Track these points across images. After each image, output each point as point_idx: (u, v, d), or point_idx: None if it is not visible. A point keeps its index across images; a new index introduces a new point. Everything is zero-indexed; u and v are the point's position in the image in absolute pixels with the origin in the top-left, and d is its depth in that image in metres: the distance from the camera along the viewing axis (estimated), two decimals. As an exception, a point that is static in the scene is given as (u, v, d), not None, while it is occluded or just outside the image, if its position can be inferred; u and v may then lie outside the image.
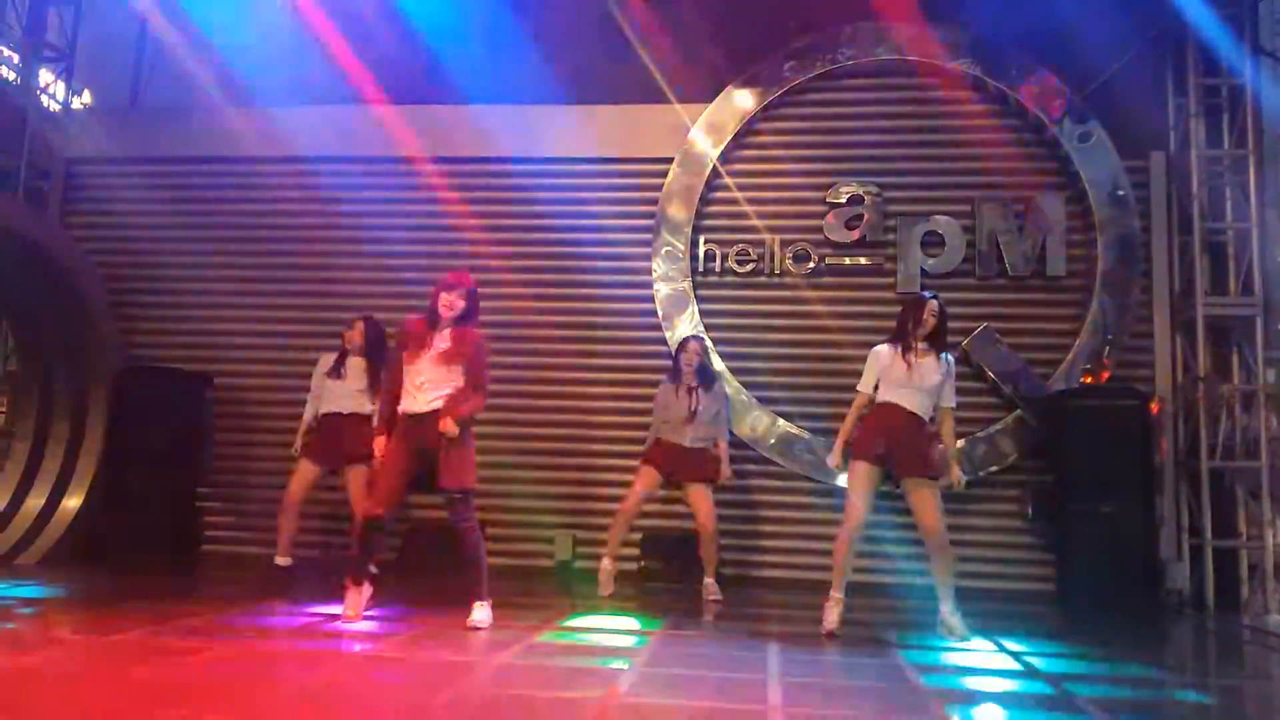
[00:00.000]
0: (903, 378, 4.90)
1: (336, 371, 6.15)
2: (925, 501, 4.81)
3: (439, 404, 4.66)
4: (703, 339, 6.60)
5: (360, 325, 6.21)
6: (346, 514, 6.22)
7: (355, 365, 6.15)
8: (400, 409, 4.75)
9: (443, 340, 4.73)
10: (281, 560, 6.10)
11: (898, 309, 5.33)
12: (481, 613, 4.63)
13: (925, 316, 4.94)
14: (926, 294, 5.13)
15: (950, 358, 5.04)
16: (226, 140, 7.75)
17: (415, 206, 7.63)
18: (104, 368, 7.16)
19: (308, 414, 6.25)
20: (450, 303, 4.73)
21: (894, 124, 7.45)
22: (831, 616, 4.86)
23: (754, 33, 7.56)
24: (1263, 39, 7.04)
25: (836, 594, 4.91)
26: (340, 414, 6.07)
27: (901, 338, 4.99)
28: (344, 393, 6.10)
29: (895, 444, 4.85)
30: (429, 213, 7.59)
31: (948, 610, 4.87)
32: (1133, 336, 7.01)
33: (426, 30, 7.27)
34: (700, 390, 6.20)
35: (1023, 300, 7.18)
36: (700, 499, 6.10)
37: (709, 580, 6.13)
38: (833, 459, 5.06)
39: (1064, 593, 6.39)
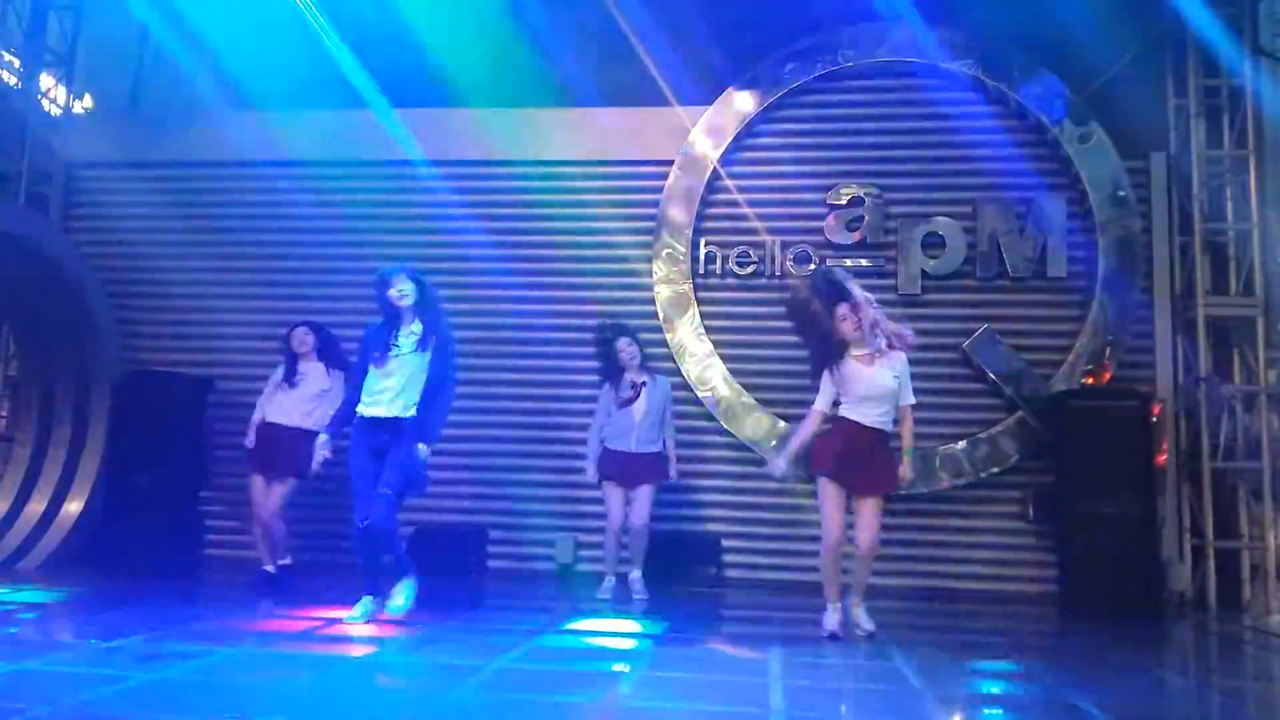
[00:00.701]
0: (861, 387, 4.80)
1: (290, 380, 6.15)
2: (868, 514, 4.79)
3: (397, 410, 4.68)
4: (631, 339, 6.29)
5: (303, 332, 6.19)
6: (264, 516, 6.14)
7: (314, 370, 6.16)
8: (359, 410, 4.76)
9: (409, 333, 4.74)
10: (269, 567, 6.13)
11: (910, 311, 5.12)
12: (399, 597, 4.73)
13: (839, 324, 4.80)
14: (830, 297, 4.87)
15: (903, 355, 4.91)
16: (227, 144, 7.75)
17: (416, 210, 7.63)
18: (105, 372, 7.16)
19: (257, 416, 6.23)
20: (400, 293, 4.71)
21: (895, 125, 7.44)
22: (832, 620, 4.85)
23: (754, 34, 7.56)
24: (1263, 39, 7.03)
25: (833, 603, 4.90)
26: (285, 426, 6.08)
27: (838, 348, 4.85)
28: (296, 399, 6.10)
29: (854, 466, 4.78)
30: (430, 216, 7.58)
31: (860, 611, 4.86)
32: (1134, 337, 7.01)
33: (426, 33, 7.26)
34: (644, 390, 6.14)
35: (1024, 301, 7.17)
36: (642, 497, 6.08)
37: (636, 574, 6.09)
38: (780, 465, 4.94)
39: (1066, 594, 6.37)
